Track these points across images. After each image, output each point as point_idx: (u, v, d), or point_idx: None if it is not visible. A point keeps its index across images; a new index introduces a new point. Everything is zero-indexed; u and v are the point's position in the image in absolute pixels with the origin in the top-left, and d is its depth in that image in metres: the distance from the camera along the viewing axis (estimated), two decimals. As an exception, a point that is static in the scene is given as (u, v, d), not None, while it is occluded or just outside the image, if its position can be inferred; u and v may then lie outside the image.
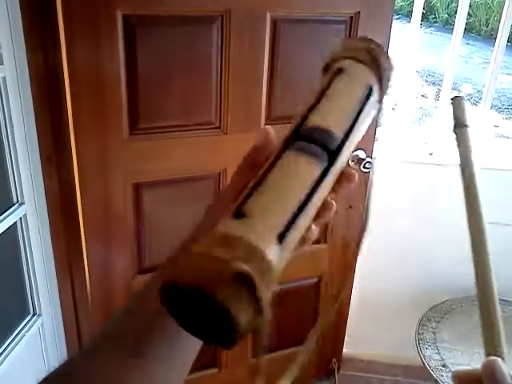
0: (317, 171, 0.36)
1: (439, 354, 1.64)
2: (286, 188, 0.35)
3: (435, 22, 7.54)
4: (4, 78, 1.13)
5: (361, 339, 2.09)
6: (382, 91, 0.43)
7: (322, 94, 0.41)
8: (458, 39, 1.86)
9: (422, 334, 1.73)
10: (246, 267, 0.28)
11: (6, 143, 1.19)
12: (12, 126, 1.18)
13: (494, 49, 1.87)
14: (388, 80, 0.44)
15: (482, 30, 7.17)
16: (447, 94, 1.96)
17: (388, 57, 0.44)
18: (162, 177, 1.39)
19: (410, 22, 1.96)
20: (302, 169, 0.36)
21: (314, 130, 0.37)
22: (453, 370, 1.57)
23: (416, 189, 1.89)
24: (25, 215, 1.27)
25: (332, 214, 0.40)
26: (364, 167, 1.57)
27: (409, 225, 1.93)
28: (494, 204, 2.09)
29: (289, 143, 0.37)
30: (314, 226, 0.41)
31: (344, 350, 2.01)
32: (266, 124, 1.43)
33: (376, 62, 0.43)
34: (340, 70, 0.43)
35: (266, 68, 1.37)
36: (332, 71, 0.43)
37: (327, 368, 1.98)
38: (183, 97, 1.33)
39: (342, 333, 1.94)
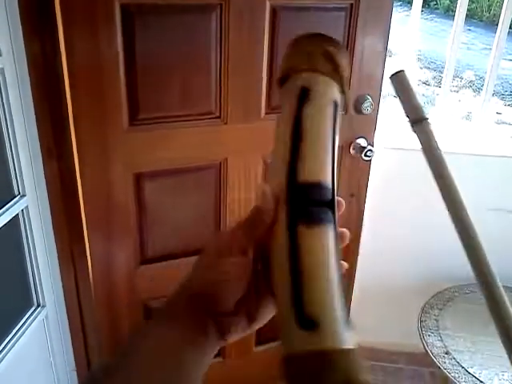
0: (332, 234, 0.37)
1: (442, 341, 1.65)
2: (326, 274, 0.36)
3: (436, 8, 7.47)
4: (2, 69, 1.13)
5: (363, 327, 2.09)
6: (345, 92, 0.43)
7: (296, 129, 0.39)
8: (460, 25, 1.84)
9: (425, 321, 1.73)
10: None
11: (5, 135, 1.18)
12: (11, 117, 1.17)
13: (496, 35, 1.86)
14: (348, 76, 0.43)
15: (483, 16, 7.10)
16: (449, 81, 1.94)
17: (344, 52, 0.43)
18: (163, 167, 1.39)
19: (411, 8, 1.94)
20: (324, 244, 0.36)
21: (308, 187, 0.37)
22: (455, 357, 1.58)
23: (418, 176, 1.89)
24: (26, 207, 1.27)
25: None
26: (365, 155, 1.57)
27: (410, 212, 1.93)
28: (496, 191, 2.09)
29: (292, 210, 0.37)
30: None
31: (347, 338, 2.02)
32: (266, 113, 1.42)
33: (337, 69, 0.41)
34: (304, 91, 0.40)
35: (266, 57, 1.36)
36: (295, 90, 0.41)
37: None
38: (183, 87, 1.32)
39: (345, 321, 1.95)
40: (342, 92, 0.42)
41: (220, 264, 0.40)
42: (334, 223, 0.38)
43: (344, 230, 0.41)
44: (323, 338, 0.33)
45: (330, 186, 0.38)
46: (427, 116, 0.40)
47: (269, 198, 0.39)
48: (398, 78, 0.44)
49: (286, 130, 0.39)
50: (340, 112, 0.42)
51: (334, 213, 0.38)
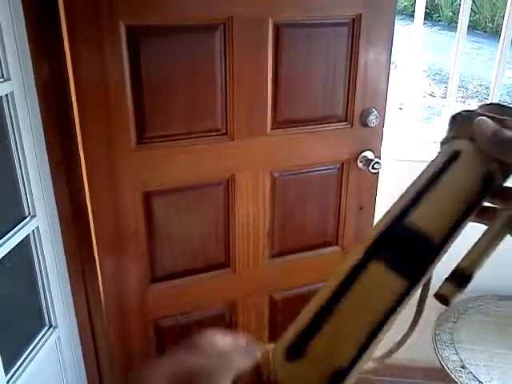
0: (400, 292, 0.32)
1: (457, 354, 1.62)
2: (360, 315, 0.31)
3: (440, 20, 7.52)
4: (12, 93, 1.15)
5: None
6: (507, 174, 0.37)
7: (429, 184, 0.35)
8: (463, 37, 1.85)
9: (439, 334, 1.71)
10: None
11: (15, 156, 1.20)
12: (21, 139, 1.19)
13: (500, 45, 1.86)
14: None
15: (487, 27, 7.12)
16: (454, 92, 1.95)
17: None
18: (171, 185, 1.40)
19: (413, 22, 1.96)
20: (384, 289, 0.32)
21: (411, 231, 0.32)
22: (472, 370, 1.55)
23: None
24: (37, 227, 1.28)
25: None
26: (373, 168, 1.56)
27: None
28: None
29: (380, 241, 0.33)
30: None
31: (360, 354, 1.99)
32: (272, 128, 1.43)
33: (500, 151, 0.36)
34: (456, 155, 0.37)
35: (270, 73, 1.37)
36: (446, 153, 0.38)
37: (344, 372, 1.96)
38: (189, 105, 1.34)
39: (358, 336, 1.93)
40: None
41: None
42: (413, 285, 0.32)
43: None
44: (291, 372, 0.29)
45: (437, 245, 0.34)
46: None
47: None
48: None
49: (418, 182, 0.37)
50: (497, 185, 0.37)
51: (417, 280, 0.33)
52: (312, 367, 0.29)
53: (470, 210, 0.35)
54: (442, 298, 0.33)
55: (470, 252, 0.35)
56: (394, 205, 0.35)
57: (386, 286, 0.32)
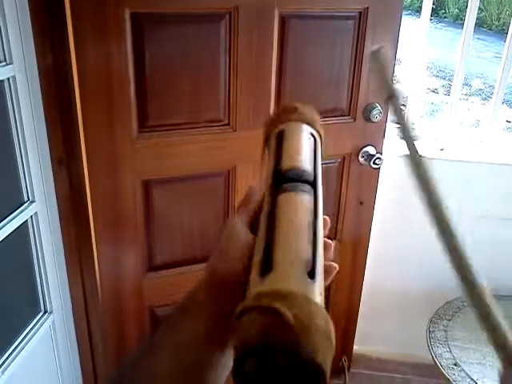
0: (311, 201, 0.41)
1: (451, 352, 1.63)
2: (295, 227, 0.37)
3: (445, 17, 7.47)
4: (14, 78, 1.14)
5: (371, 337, 2.08)
6: (320, 135, 0.52)
7: (278, 151, 0.47)
8: (469, 34, 1.83)
9: (433, 332, 1.71)
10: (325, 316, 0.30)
11: (16, 141, 1.20)
12: (22, 124, 1.18)
13: (506, 43, 1.85)
14: (318, 124, 0.53)
15: (493, 25, 7.08)
16: (458, 89, 1.94)
17: (308, 107, 0.53)
18: (172, 174, 1.39)
19: (420, 17, 1.94)
20: (300, 204, 0.40)
21: (289, 171, 0.43)
22: (464, 368, 1.55)
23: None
24: (35, 213, 1.28)
25: (331, 254, 0.44)
26: (374, 163, 1.56)
27: (419, 221, 1.91)
28: (505, 199, 2.07)
29: (275, 188, 0.42)
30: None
31: (354, 348, 2.00)
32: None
33: (302, 115, 0.51)
34: (281, 133, 0.50)
35: (275, 64, 1.36)
36: (274, 136, 0.51)
37: (337, 366, 1.97)
38: (192, 94, 1.32)
39: (352, 330, 1.93)
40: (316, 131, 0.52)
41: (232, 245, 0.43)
42: (315, 197, 0.42)
43: (325, 216, 0.43)
44: (271, 280, 0.32)
45: (311, 172, 0.44)
46: (399, 93, 0.44)
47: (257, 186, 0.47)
48: (376, 55, 0.50)
49: (270, 154, 0.49)
50: (318, 141, 0.51)
51: (315, 189, 0.42)
52: (285, 269, 0.33)
53: (313, 146, 0.50)
54: None
55: None
56: (268, 167, 0.47)
57: (299, 200, 0.41)
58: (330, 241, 0.43)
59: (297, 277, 0.33)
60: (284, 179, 0.42)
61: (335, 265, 0.43)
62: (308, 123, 0.51)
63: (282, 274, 0.33)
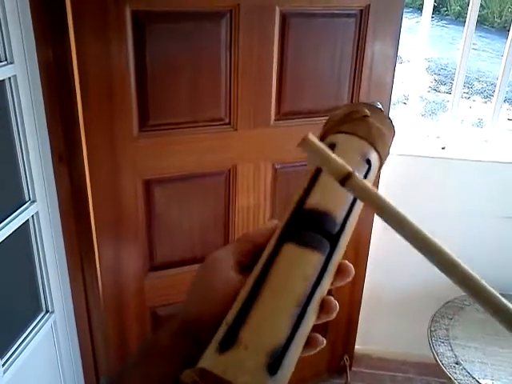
0: (320, 264, 0.34)
1: (452, 350, 1.63)
2: (281, 300, 0.32)
3: (447, 15, 7.45)
4: (15, 77, 1.14)
5: (373, 336, 2.08)
6: (381, 159, 0.42)
7: (316, 175, 0.38)
8: (471, 32, 1.83)
9: (435, 330, 1.71)
10: None
11: (17, 140, 1.19)
12: (23, 123, 1.18)
13: (508, 41, 1.84)
14: (386, 145, 0.43)
15: (495, 23, 7.06)
16: (460, 88, 1.93)
17: (385, 121, 0.43)
18: (172, 173, 1.39)
19: (421, 15, 1.94)
20: (302, 268, 0.33)
21: (312, 212, 0.36)
22: (466, 367, 1.55)
23: (427, 182, 1.87)
24: (37, 213, 1.28)
25: (333, 316, 0.35)
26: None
27: (420, 219, 1.90)
28: (507, 198, 2.06)
29: (287, 230, 0.35)
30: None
31: (356, 347, 2.00)
32: (275, 119, 1.42)
33: (369, 133, 0.41)
34: (331, 146, 0.40)
35: (276, 63, 1.36)
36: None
37: (339, 365, 1.97)
38: (193, 93, 1.32)
39: (354, 330, 1.93)
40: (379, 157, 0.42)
41: (213, 279, 0.37)
42: (329, 258, 0.34)
43: (348, 263, 0.36)
44: (223, 362, 0.28)
45: (340, 223, 0.36)
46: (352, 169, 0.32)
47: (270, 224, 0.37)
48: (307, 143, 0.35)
49: (305, 179, 0.40)
50: (375, 170, 0.42)
51: (332, 249, 0.35)
52: (245, 353, 0.29)
53: None
54: None
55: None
56: (291, 200, 0.38)
57: (303, 261, 0.33)
58: (333, 301, 0.34)
59: (252, 369, 0.28)
60: (301, 222, 0.35)
61: (321, 338, 0.35)
62: (372, 142, 0.41)
63: (237, 359, 0.29)
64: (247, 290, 0.32)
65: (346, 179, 0.31)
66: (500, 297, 0.29)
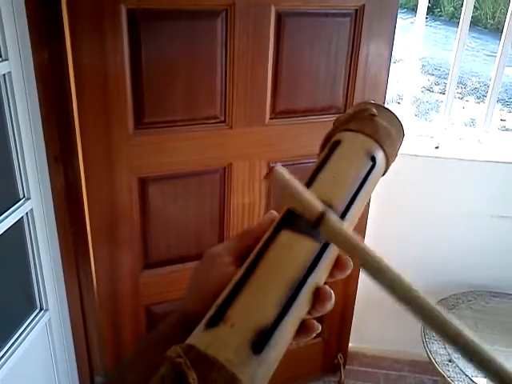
0: (315, 251, 0.33)
1: (445, 348, 1.64)
2: (273, 282, 0.31)
3: (441, 15, 7.49)
4: (9, 74, 1.13)
5: (367, 334, 2.09)
6: (388, 158, 0.42)
7: (319, 167, 0.39)
8: (464, 33, 1.84)
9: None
10: None
11: (12, 139, 1.19)
12: (18, 121, 1.18)
13: (501, 42, 1.86)
14: (394, 145, 0.43)
15: (488, 23, 7.11)
16: (453, 88, 1.94)
17: (395, 122, 0.44)
18: (168, 171, 1.39)
19: (415, 16, 1.95)
20: (296, 253, 0.33)
21: None
22: (459, 365, 1.56)
23: (422, 182, 1.89)
24: (31, 210, 1.27)
25: (330, 307, 0.34)
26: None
27: (414, 219, 1.92)
28: (500, 197, 2.08)
29: (285, 219, 0.35)
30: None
31: (350, 345, 2.01)
32: (270, 118, 1.43)
33: (376, 131, 0.42)
34: (337, 143, 0.42)
35: (271, 62, 1.36)
36: (329, 145, 0.42)
37: (333, 363, 1.98)
38: (188, 91, 1.32)
39: (348, 328, 1.94)
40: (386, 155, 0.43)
41: (212, 272, 0.38)
42: (325, 247, 0.34)
43: (347, 257, 0.36)
44: (208, 337, 0.28)
45: (340, 211, 0.36)
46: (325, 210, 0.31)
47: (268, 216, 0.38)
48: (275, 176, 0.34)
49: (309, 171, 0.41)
50: (381, 169, 0.42)
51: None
52: (231, 330, 0.29)
53: (363, 175, 0.40)
54: None
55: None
56: None
57: (297, 247, 0.33)
58: (328, 290, 0.34)
59: (235, 346, 0.28)
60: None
61: (317, 324, 0.34)
62: (378, 141, 0.42)
63: (223, 335, 0.28)
64: (240, 274, 0.33)
65: (319, 220, 0.30)
66: (496, 359, 0.28)
